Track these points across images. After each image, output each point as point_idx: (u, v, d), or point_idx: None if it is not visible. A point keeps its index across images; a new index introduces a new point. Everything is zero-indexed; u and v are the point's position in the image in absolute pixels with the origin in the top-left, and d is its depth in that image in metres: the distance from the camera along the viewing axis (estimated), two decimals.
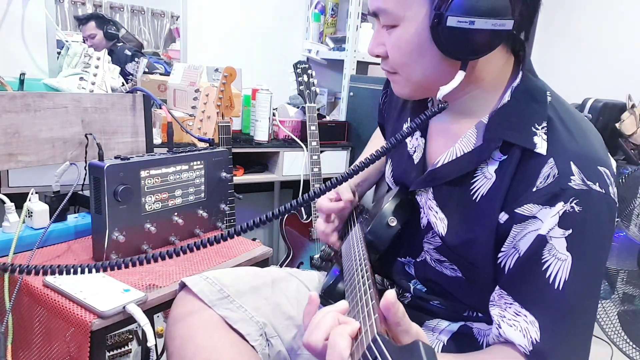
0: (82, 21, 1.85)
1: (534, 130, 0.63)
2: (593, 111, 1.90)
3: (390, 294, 0.46)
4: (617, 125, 1.87)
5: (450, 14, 0.58)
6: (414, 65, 0.66)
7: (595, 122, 1.89)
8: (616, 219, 0.63)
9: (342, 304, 0.55)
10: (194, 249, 0.66)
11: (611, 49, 2.32)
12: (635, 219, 1.56)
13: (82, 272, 0.64)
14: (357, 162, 0.66)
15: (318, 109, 2.00)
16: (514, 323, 0.62)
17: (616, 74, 2.27)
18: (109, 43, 1.86)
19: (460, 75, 0.63)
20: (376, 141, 1.08)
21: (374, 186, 1.06)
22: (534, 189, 0.61)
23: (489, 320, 0.70)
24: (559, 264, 0.60)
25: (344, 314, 0.53)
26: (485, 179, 0.67)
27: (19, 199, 1.02)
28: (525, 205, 0.62)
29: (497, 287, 0.66)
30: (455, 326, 0.77)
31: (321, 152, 1.91)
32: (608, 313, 1.61)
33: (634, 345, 1.58)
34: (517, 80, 0.67)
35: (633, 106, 1.88)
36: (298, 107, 2.03)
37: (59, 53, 1.75)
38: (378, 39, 0.69)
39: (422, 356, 0.38)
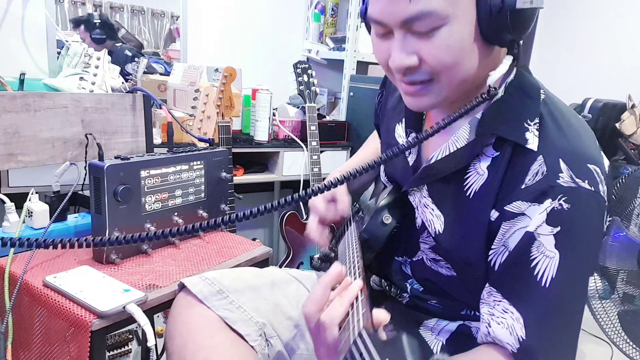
0: (75, 24, 1.85)
1: (527, 126, 0.63)
2: (593, 111, 1.90)
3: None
4: (617, 125, 1.87)
5: None
6: (461, 64, 0.61)
7: (595, 122, 1.88)
8: (608, 218, 0.63)
9: (336, 268, 0.58)
10: (199, 229, 0.64)
11: (611, 49, 2.32)
12: (635, 219, 1.55)
13: (80, 246, 0.63)
14: (356, 167, 0.65)
15: (318, 109, 2.00)
16: (502, 321, 0.62)
17: (616, 74, 2.27)
18: (99, 47, 1.84)
19: (508, 60, 0.63)
20: (372, 142, 1.08)
21: (371, 185, 1.06)
22: (523, 186, 0.61)
23: None
24: (547, 261, 0.59)
25: (341, 278, 0.57)
26: (477, 175, 0.67)
27: (19, 199, 1.02)
28: (514, 203, 0.62)
29: (487, 285, 0.66)
30: (453, 325, 0.78)
31: (321, 152, 1.91)
32: (608, 313, 1.60)
33: (634, 345, 1.57)
34: (511, 76, 0.66)
35: (633, 106, 1.88)
36: (298, 107, 2.03)
37: (59, 53, 1.75)
38: (406, 49, 0.61)
39: (405, 348, 0.40)
